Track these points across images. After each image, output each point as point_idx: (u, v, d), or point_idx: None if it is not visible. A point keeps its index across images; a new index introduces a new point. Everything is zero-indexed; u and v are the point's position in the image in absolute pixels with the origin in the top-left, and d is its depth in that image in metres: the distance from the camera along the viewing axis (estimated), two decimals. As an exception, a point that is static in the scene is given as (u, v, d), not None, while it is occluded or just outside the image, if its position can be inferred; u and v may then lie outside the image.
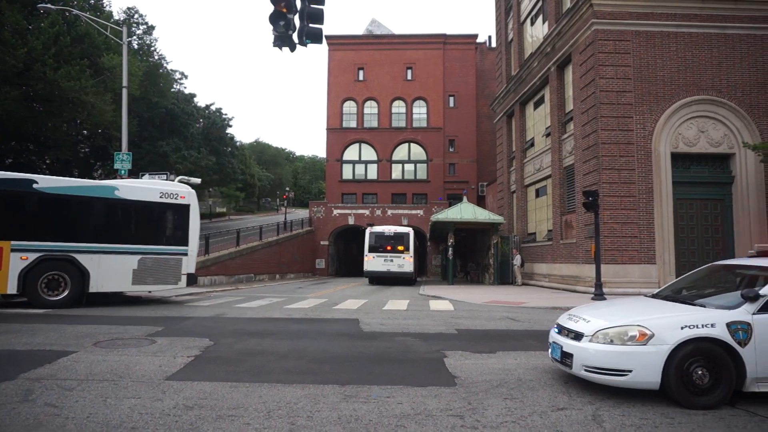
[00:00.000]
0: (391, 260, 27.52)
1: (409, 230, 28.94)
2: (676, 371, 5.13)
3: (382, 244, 27.86)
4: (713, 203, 19.06)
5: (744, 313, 5.28)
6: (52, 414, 4.72)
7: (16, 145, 34.41)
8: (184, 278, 14.74)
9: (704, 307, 5.68)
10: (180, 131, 45.54)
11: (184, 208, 14.93)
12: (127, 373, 6.25)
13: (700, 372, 5.16)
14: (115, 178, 22.23)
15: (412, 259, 27.92)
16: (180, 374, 6.26)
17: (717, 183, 19.13)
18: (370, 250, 27.85)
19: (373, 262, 27.68)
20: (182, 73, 50.00)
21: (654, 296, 6.86)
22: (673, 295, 6.63)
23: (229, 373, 6.40)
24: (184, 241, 14.87)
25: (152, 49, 41.18)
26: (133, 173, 19.59)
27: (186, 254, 14.90)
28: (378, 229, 28.95)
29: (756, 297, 5.30)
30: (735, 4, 18.94)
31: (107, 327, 9.71)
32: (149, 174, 17.78)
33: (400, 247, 27.84)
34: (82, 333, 8.93)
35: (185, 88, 51.75)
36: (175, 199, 14.73)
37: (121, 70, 22.52)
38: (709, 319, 5.27)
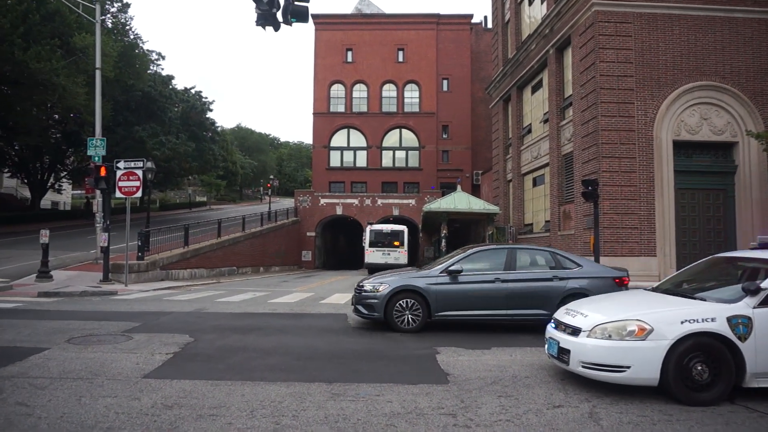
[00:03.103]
0: (389, 254, 32.30)
1: (404, 228, 33.26)
2: (675, 367, 5.21)
3: (380, 240, 32.70)
4: (715, 193, 19.25)
5: (745, 306, 5.37)
6: (24, 413, 4.71)
7: (-18, 130, 33.96)
8: None
9: (704, 300, 5.76)
10: (157, 115, 45.04)
11: None
12: (103, 370, 6.24)
13: (699, 367, 5.25)
14: (88, 164, 22.01)
15: (406, 253, 32.53)
16: (158, 372, 6.26)
17: (719, 172, 19.31)
18: (371, 245, 32.63)
19: (373, 255, 32.46)
20: (159, 54, 49.33)
21: (654, 290, 6.95)
22: (673, 288, 6.72)
23: (210, 370, 6.41)
24: None
25: (127, 28, 40.56)
26: (108, 160, 19.36)
27: None
28: (377, 227, 33.86)
29: (757, 290, 5.39)
30: (741, -15, 19.04)
31: (81, 323, 9.66)
32: (124, 161, 17.58)
33: (396, 243, 32.58)
34: (55, 329, 8.88)
35: (162, 69, 51.17)
36: None
37: (94, 51, 22.17)
38: (710, 313, 5.35)
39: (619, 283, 9.77)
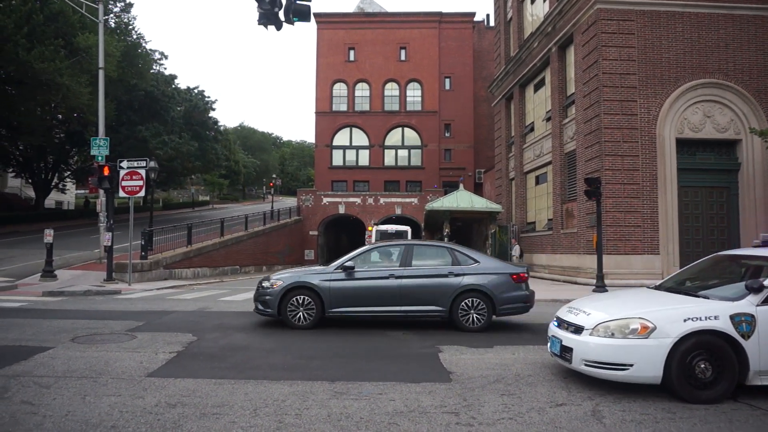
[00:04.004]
0: None
1: (408, 228, 34.02)
2: (678, 365, 5.20)
3: (386, 240, 34.58)
4: (719, 191, 19.21)
5: (748, 304, 5.35)
6: (29, 412, 4.73)
7: (-14, 130, 34.05)
8: None
9: (707, 298, 5.75)
10: (160, 115, 45.10)
11: None
12: (107, 369, 6.26)
13: (702, 365, 5.23)
14: (91, 164, 22.05)
15: None
16: (162, 371, 6.28)
17: (723, 170, 19.26)
18: None
19: None
20: (162, 53, 49.53)
21: (657, 288, 6.94)
22: (676, 286, 6.70)
23: (213, 369, 6.43)
24: None
25: (130, 27, 40.60)
26: (111, 160, 19.38)
27: None
28: (383, 227, 34.69)
29: (760, 288, 5.37)
30: (744, -17, 18.97)
31: (85, 321, 9.70)
32: (128, 161, 17.61)
33: None
34: (60, 328, 8.91)
35: (165, 69, 51.24)
36: None
37: (97, 50, 22.22)
38: (713, 311, 5.34)
39: (516, 279, 9.57)
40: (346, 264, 9.61)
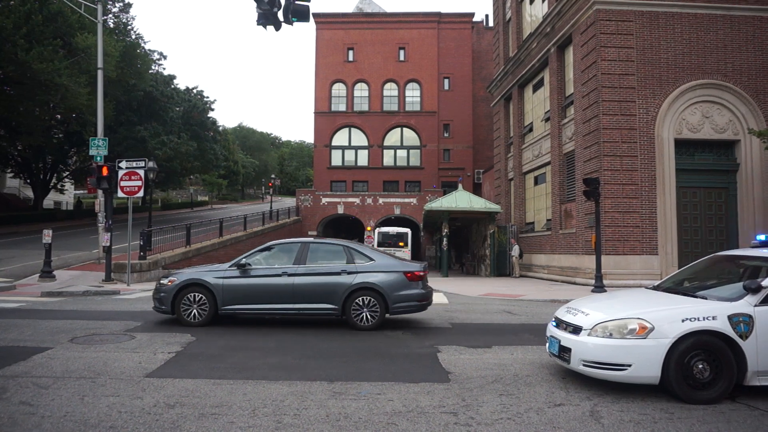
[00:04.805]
0: (394, 254, 37.40)
1: (408, 230, 36.18)
2: (676, 365, 5.21)
3: (387, 241, 35.54)
4: (717, 192, 19.23)
5: (746, 305, 5.36)
6: (28, 413, 4.73)
7: (-15, 130, 34.01)
8: None
9: (705, 299, 5.76)
10: (159, 115, 45.07)
11: None
12: (105, 370, 6.26)
13: (700, 366, 5.24)
14: (90, 164, 22.02)
15: (410, 253, 35.64)
16: (161, 371, 6.28)
17: (721, 171, 19.28)
18: (378, 245, 35.03)
19: None
20: (161, 54, 49.37)
21: (655, 288, 6.95)
22: (674, 287, 6.71)
23: (212, 369, 6.43)
24: None
25: (129, 27, 40.60)
26: (110, 160, 19.38)
27: None
28: (384, 229, 36.70)
29: (758, 288, 5.38)
30: (741, -16, 19.00)
31: (84, 322, 9.69)
32: (126, 161, 17.59)
33: (401, 243, 35.35)
34: (58, 328, 8.91)
35: (164, 69, 51.17)
36: None
37: (96, 51, 22.22)
38: (711, 312, 5.35)
39: (411, 277, 9.51)
40: (242, 262, 9.70)
